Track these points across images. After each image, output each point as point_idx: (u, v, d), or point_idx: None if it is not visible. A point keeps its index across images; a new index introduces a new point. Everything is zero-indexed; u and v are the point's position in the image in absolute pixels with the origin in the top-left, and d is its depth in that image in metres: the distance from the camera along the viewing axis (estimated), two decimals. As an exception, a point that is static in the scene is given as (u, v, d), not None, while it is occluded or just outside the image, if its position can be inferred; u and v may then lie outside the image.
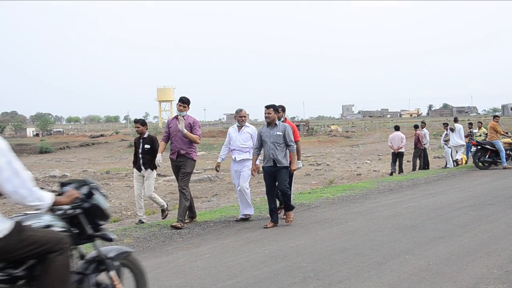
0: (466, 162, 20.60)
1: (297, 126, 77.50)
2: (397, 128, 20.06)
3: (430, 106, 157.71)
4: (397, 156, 19.35)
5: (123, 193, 18.02)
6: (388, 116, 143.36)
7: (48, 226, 3.48)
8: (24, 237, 3.24)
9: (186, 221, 9.02)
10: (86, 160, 41.40)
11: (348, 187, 13.97)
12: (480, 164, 17.63)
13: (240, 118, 9.41)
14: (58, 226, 3.56)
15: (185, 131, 8.81)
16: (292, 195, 9.37)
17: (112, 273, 3.95)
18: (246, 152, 9.27)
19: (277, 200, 8.96)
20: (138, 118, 10.39)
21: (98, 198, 3.82)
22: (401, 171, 19.21)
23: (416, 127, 20.76)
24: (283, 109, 9.41)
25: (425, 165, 20.20)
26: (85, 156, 46.35)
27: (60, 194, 3.65)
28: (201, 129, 9.55)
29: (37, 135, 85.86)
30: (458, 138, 19.81)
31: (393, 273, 5.57)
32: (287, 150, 8.71)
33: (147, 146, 9.65)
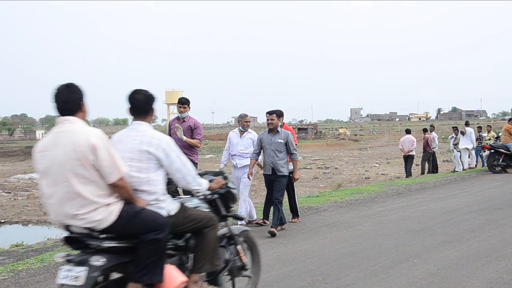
0: (476, 166, 20.52)
1: (305, 129, 77.01)
2: (408, 132, 20.00)
3: (439, 110, 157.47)
4: (407, 159, 19.31)
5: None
6: (397, 119, 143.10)
7: (197, 207, 4.30)
8: (187, 214, 4.07)
9: None
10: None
11: (357, 190, 13.94)
12: (494, 168, 17.50)
13: (245, 123, 9.22)
14: (204, 207, 4.39)
15: (184, 138, 8.57)
16: (297, 202, 9.34)
17: (239, 247, 4.79)
18: (247, 158, 9.01)
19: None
20: None
21: (231, 186, 4.65)
22: (409, 174, 19.15)
23: (425, 130, 20.70)
24: (281, 114, 9.00)
25: (434, 169, 20.13)
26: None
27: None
28: (203, 131, 9.37)
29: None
30: (468, 141, 19.73)
31: (402, 277, 5.55)
32: (287, 158, 8.44)
33: None
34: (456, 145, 20.38)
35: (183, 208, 4.07)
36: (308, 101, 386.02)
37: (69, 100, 3.67)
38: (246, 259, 4.88)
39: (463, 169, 19.80)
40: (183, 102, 8.77)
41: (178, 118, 8.86)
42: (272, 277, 5.79)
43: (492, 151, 17.62)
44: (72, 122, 3.62)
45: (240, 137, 9.19)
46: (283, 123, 9.18)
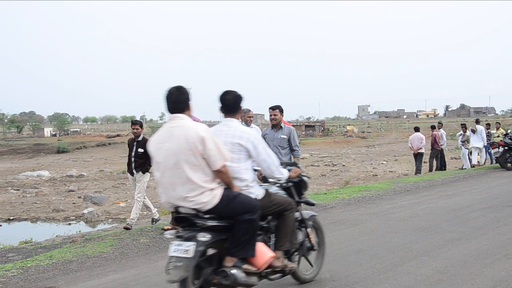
0: (484, 163, 20.41)
1: (313, 126, 76.82)
2: (417, 129, 19.98)
3: (447, 107, 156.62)
4: (417, 156, 19.31)
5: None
6: (405, 116, 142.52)
7: (276, 193, 4.90)
8: (271, 199, 4.70)
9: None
10: (103, 160, 41.66)
11: (364, 188, 13.91)
12: (508, 165, 17.39)
13: (248, 118, 9.04)
14: (281, 193, 5.01)
15: None
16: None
17: (309, 230, 5.36)
18: None
19: None
20: (135, 119, 9.57)
21: (304, 175, 5.26)
22: (419, 172, 19.11)
23: (433, 127, 20.67)
24: (281, 110, 8.74)
25: (442, 166, 20.07)
26: (101, 156, 46.63)
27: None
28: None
29: (54, 135, 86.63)
30: (479, 140, 19.63)
31: (410, 275, 5.53)
32: (291, 155, 8.32)
33: (140, 150, 9.17)
34: (464, 142, 20.29)
35: (267, 193, 4.73)
36: (315, 98, 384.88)
37: (179, 100, 4.35)
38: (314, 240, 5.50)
39: (471, 166, 19.71)
40: None
41: None
42: (279, 274, 5.78)
43: (506, 148, 17.50)
44: (181, 119, 4.32)
45: None
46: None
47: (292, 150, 8.26)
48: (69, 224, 13.72)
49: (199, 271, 4.21)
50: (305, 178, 5.30)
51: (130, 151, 9.39)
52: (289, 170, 5.03)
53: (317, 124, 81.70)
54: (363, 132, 76.53)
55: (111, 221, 13.52)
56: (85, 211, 14.58)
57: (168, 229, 8.09)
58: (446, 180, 15.07)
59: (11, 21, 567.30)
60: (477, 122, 20.42)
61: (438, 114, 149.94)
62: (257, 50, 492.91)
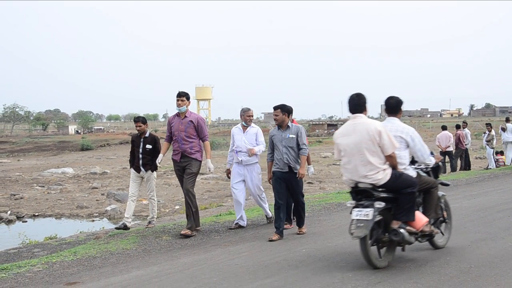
0: (511, 164, 20.11)
1: (335, 125, 76.01)
2: (444, 128, 20.12)
3: (472, 106, 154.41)
4: (445, 154, 19.25)
5: (161, 190, 18.23)
6: (428, 115, 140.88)
7: (420, 175, 6.16)
8: (421, 178, 6.11)
9: (192, 232, 8.26)
10: (126, 158, 41.67)
11: (387, 187, 13.78)
12: None
13: (248, 117, 8.82)
14: (424, 175, 6.28)
15: (209, 166, 8.67)
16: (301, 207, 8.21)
17: (442, 206, 6.63)
18: (253, 155, 8.63)
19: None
20: (138, 116, 9.57)
21: (440, 162, 6.56)
22: (454, 169, 19.23)
23: (457, 127, 20.53)
24: (290, 110, 8.22)
25: (466, 166, 19.90)
26: (124, 154, 46.95)
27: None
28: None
29: (78, 132, 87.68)
30: (510, 135, 19.44)
31: (434, 275, 5.47)
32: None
33: (148, 146, 9.04)
34: (489, 141, 20.06)
35: (418, 174, 6.13)
36: (338, 97, 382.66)
37: (359, 104, 5.93)
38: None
39: (504, 165, 19.54)
40: (182, 95, 8.40)
41: (178, 115, 8.49)
42: (302, 273, 5.78)
43: None
44: (361, 117, 5.86)
45: (243, 132, 8.79)
46: (293, 119, 8.46)
47: (299, 148, 7.90)
48: (93, 220, 13.87)
49: (371, 232, 5.58)
50: (440, 164, 6.56)
51: (136, 147, 9.17)
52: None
53: (340, 123, 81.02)
54: (386, 131, 75.79)
55: (134, 218, 13.63)
56: (108, 208, 14.72)
57: (186, 235, 8.04)
58: (471, 180, 14.88)
59: (35, 25, 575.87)
60: (507, 120, 20.12)
61: (463, 113, 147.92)
62: (276, 46, 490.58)
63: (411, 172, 6.02)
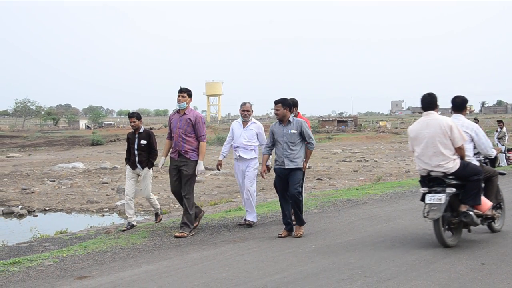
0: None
1: (345, 121, 75.59)
2: None
3: (483, 103, 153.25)
4: None
5: (169, 186, 18.23)
6: (439, 112, 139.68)
7: (482, 164, 6.97)
8: (484, 168, 6.86)
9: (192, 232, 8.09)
10: (136, 153, 42.06)
11: (397, 184, 13.76)
12: None
13: (243, 112, 8.56)
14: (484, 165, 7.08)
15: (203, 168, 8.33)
16: (302, 200, 7.80)
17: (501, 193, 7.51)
18: (251, 150, 8.47)
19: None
20: (133, 111, 9.39)
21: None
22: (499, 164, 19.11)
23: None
24: (295, 103, 8.17)
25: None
26: (134, 149, 47.17)
27: None
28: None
29: (89, 127, 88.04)
30: None
31: (444, 273, 5.45)
32: (302, 150, 7.65)
33: (143, 141, 8.87)
34: (500, 139, 19.92)
35: (481, 163, 6.96)
36: (348, 93, 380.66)
37: (431, 102, 6.74)
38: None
39: None
40: (183, 91, 8.15)
41: (178, 111, 8.26)
42: (311, 269, 5.78)
43: None
44: (433, 114, 6.65)
45: (243, 127, 8.58)
46: (298, 113, 8.38)
47: (307, 143, 7.67)
48: (103, 215, 13.94)
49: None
50: (498, 155, 7.48)
51: (131, 144, 9.03)
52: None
53: (350, 119, 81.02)
54: (396, 127, 75.52)
55: (144, 213, 13.69)
56: (118, 203, 14.77)
57: (178, 236, 7.82)
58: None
59: (46, 23, 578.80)
60: None
61: (474, 110, 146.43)
62: (288, 40, 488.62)
63: (475, 162, 6.82)
